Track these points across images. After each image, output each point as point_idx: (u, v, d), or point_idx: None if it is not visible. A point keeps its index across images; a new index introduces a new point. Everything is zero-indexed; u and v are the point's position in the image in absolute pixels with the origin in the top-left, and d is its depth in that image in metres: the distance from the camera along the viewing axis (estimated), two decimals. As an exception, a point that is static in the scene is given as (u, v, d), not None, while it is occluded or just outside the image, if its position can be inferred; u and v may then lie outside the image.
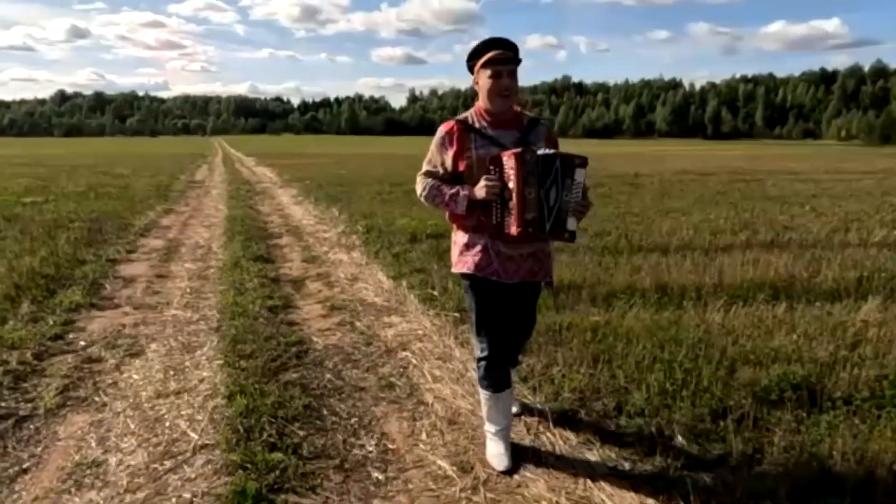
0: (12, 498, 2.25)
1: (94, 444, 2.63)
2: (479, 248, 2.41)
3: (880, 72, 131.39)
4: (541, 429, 2.76)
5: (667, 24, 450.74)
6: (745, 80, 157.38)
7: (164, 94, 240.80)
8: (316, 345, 3.83)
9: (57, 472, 2.42)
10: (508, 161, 2.23)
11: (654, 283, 4.93)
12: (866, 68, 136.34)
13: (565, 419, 2.84)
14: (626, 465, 2.47)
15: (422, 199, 2.49)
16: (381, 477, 2.41)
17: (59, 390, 3.14)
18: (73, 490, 2.30)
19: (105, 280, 5.38)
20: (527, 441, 2.67)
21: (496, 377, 2.47)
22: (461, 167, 2.37)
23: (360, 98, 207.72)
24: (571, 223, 2.30)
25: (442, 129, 2.43)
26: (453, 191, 2.38)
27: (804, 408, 2.85)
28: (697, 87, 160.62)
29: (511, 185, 2.23)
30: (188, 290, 5.17)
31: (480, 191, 2.29)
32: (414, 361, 3.57)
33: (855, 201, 10.48)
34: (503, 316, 2.47)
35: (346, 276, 5.66)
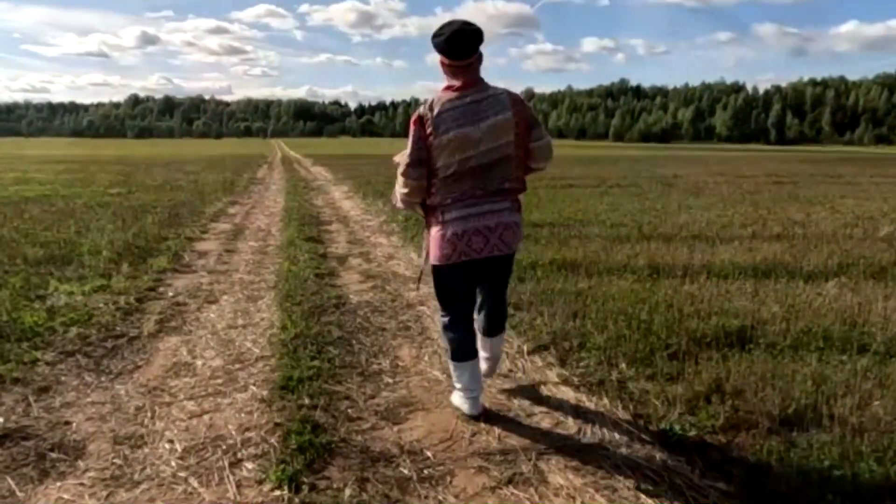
0: (133, 379, 3.23)
1: (185, 353, 3.60)
2: None
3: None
4: (517, 356, 3.56)
5: (730, 26, 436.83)
6: (813, 83, 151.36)
7: (227, 98, 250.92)
8: (351, 299, 4.74)
9: (161, 368, 3.39)
10: None
11: (647, 263, 5.62)
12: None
13: (538, 352, 3.63)
14: (576, 379, 3.24)
15: None
16: (390, 380, 3.27)
17: (157, 322, 4.14)
18: (173, 376, 3.26)
19: (184, 252, 6.47)
20: (505, 364, 3.48)
21: None
22: None
23: (415, 101, 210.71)
24: None
25: None
26: None
27: (733, 348, 3.54)
28: (762, 90, 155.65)
29: None
30: (251, 261, 6.19)
31: None
32: (428, 313, 4.42)
33: (880, 202, 10.72)
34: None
35: (383, 255, 6.57)
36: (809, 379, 2.98)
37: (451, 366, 2.85)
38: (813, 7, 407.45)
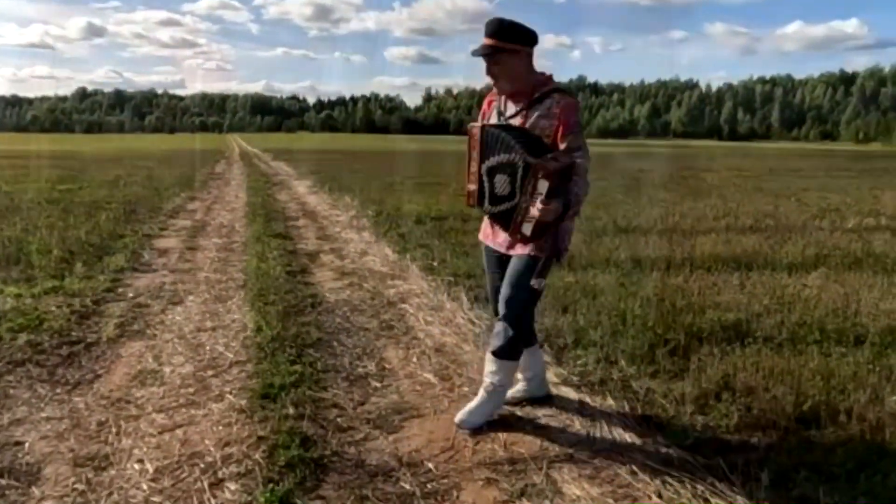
0: (93, 389, 2.91)
1: (150, 360, 3.28)
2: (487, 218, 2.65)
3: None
4: (510, 355, 3.38)
5: (683, 24, 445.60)
6: (762, 81, 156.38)
7: (181, 92, 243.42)
8: (328, 298, 4.48)
9: (124, 377, 3.08)
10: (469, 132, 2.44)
11: (629, 256, 5.52)
12: (886, 70, 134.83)
13: (532, 350, 3.45)
14: (576, 379, 3.08)
15: None
16: (378, 385, 3.04)
17: (117, 326, 3.80)
18: (138, 386, 2.96)
19: (143, 251, 6.07)
20: (498, 364, 3.29)
21: None
22: None
23: (375, 97, 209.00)
24: (527, 228, 2.35)
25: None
26: None
27: (732, 343, 3.44)
28: (714, 87, 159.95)
29: (468, 155, 2.43)
30: (216, 259, 5.84)
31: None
32: (411, 311, 4.20)
33: (842, 194, 10.98)
34: (498, 284, 2.60)
35: (356, 251, 6.31)
36: (818, 374, 2.88)
37: (505, 367, 2.55)
38: (760, 7, 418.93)
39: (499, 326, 2.54)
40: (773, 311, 3.90)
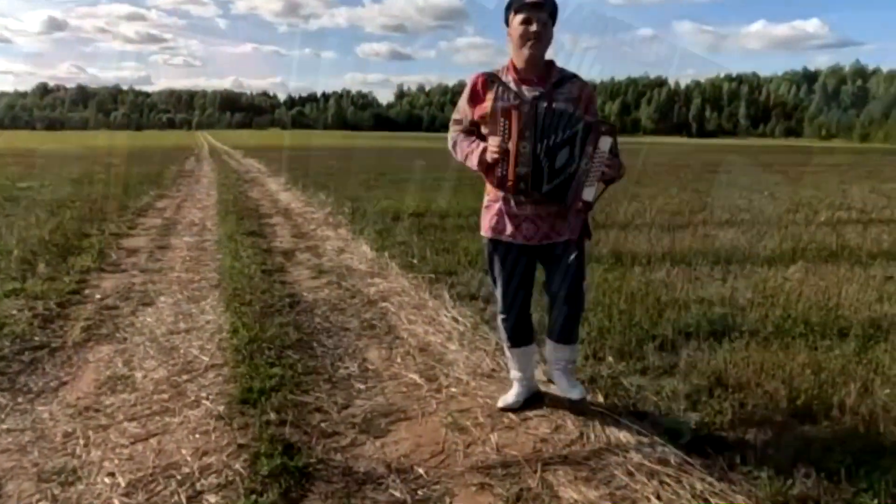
0: (58, 398, 2.75)
1: (120, 365, 3.12)
2: (495, 209, 2.46)
3: (860, 72, 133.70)
4: (496, 353, 3.30)
5: (651, 23, 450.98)
6: (729, 78, 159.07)
7: (147, 88, 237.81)
8: (306, 298, 4.35)
9: (92, 383, 2.91)
10: (512, 113, 2.26)
11: (610, 251, 5.49)
12: (846, 68, 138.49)
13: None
14: (564, 377, 3.01)
15: (449, 149, 2.55)
16: (362, 387, 2.93)
17: (84, 329, 3.62)
18: (108, 393, 2.80)
19: (110, 250, 5.84)
20: (486, 362, 3.21)
21: (514, 333, 2.65)
22: (477, 116, 2.43)
23: (347, 93, 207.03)
24: (588, 193, 2.27)
25: (470, 81, 2.46)
26: (470, 148, 2.43)
27: (720, 338, 3.41)
28: (683, 85, 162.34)
29: (512, 138, 2.26)
30: (188, 258, 5.65)
31: (487, 152, 2.33)
32: (392, 309, 4.10)
33: (812, 189, 11.19)
34: (523, 278, 2.52)
35: (332, 249, 6.17)
36: (807, 368, 2.86)
37: (575, 346, 2.68)
38: (726, 6, 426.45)
39: (563, 317, 2.54)
40: (757, 304, 3.89)
